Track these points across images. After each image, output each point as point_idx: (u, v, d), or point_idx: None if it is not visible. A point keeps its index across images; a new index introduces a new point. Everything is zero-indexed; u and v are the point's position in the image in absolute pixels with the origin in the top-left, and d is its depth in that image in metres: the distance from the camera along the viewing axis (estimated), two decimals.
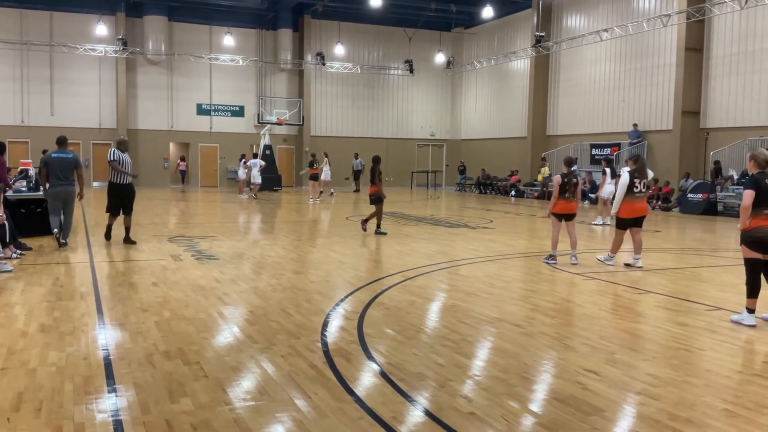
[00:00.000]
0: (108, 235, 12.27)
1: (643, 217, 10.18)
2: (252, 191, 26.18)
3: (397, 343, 5.85)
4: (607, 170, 17.32)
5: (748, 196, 6.57)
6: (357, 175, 32.44)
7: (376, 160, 14.01)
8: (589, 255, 11.66)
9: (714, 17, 22.55)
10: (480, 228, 15.95)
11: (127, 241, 12.06)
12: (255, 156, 28.50)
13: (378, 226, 14.13)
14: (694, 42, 23.13)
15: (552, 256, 10.58)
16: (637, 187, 9.91)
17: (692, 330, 6.48)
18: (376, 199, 13.81)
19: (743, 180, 19.90)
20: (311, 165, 25.80)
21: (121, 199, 11.94)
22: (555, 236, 10.59)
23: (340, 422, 4.09)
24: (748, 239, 6.56)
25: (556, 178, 10.58)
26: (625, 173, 10.02)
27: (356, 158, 32.73)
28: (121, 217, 12.25)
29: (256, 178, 26.07)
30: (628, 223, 10.08)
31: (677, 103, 23.49)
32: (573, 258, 10.52)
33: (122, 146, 12.08)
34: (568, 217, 10.57)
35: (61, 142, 11.71)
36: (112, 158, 11.68)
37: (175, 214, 19.49)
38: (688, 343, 6.01)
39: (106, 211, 12.20)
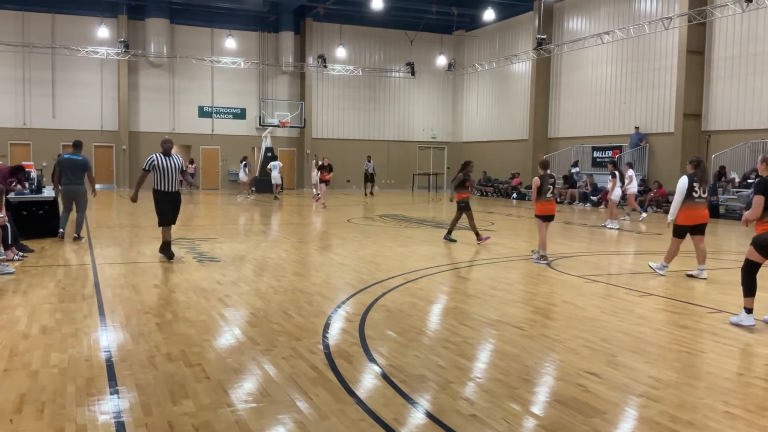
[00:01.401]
0: (169, 253, 10.45)
1: (705, 224, 9.51)
2: (260, 192, 27.82)
3: (399, 345, 5.86)
4: (616, 173, 17.26)
5: (761, 205, 6.59)
6: (370, 178, 31.72)
7: (465, 166, 13.30)
8: (591, 257, 11.67)
9: (715, 20, 22.56)
10: (481, 230, 15.93)
11: (164, 251, 10.53)
12: (275, 158, 29.04)
13: (449, 232, 13.51)
14: (696, 44, 23.14)
15: (543, 257, 10.83)
16: (696, 192, 9.28)
17: (694, 332, 6.48)
18: (464, 206, 13.14)
19: (748, 181, 19.89)
20: (321, 169, 24.27)
21: (169, 209, 10.40)
22: (543, 238, 10.90)
23: (342, 424, 4.09)
24: (760, 243, 6.56)
25: (535, 180, 10.91)
26: (683, 177, 9.42)
27: (369, 161, 32.07)
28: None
29: (277, 179, 27.34)
30: (686, 230, 9.42)
31: (678, 105, 23.49)
32: (539, 258, 10.78)
33: (164, 146, 10.38)
34: (549, 218, 10.89)
35: (75, 145, 12.97)
36: (144, 167, 10.26)
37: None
38: (689, 345, 6.02)
39: (159, 225, 10.51)
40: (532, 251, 11.36)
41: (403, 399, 4.54)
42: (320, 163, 24.67)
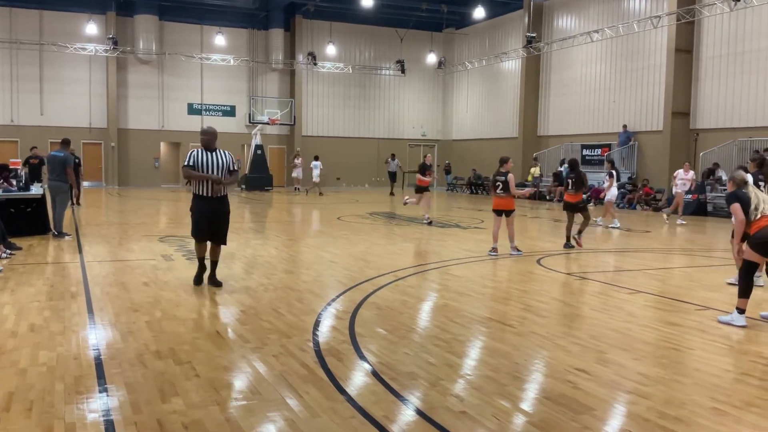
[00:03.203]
0: (198, 277, 8.29)
1: None
2: (314, 188, 28.89)
3: (389, 343, 5.86)
4: (613, 172, 17.16)
5: (739, 209, 6.65)
6: (393, 176, 30.72)
7: (575, 165, 12.92)
8: (581, 255, 11.71)
9: (704, 19, 22.69)
10: (471, 228, 15.99)
11: (213, 281, 8.21)
12: (316, 158, 29.45)
13: (579, 233, 12.45)
14: (684, 43, 23.26)
15: (493, 249, 11.47)
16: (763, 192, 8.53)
17: (682, 329, 6.52)
18: (585, 206, 12.67)
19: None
20: (424, 170, 16.97)
21: (206, 219, 7.97)
22: (494, 230, 11.61)
23: (332, 421, 4.09)
24: (756, 241, 6.57)
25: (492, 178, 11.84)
26: (748, 177, 8.54)
27: (393, 159, 31.22)
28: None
29: (316, 177, 28.61)
30: None
31: (667, 104, 23.62)
32: (512, 251, 11.38)
33: (203, 138, 8.03)
34: (498, 212, 11.54)
35: (62, 143, 13.27)
36: (187, 162, 7.88)
37: (165, 214, 19.43)
38: (677, 342, 6.06)
39: (192, 235, 8.30)
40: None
41: (394, 396, 4.55)
42: (423, 162, 17.50)
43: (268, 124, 33.77)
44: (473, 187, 32.80)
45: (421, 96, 37.92)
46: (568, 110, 29.14)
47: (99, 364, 5.12)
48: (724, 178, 21.14)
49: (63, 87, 31.01)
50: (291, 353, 5.46)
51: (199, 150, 7.96)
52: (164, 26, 32.32)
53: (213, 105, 33.87)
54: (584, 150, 27.82)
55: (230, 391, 4.61)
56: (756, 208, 6.62)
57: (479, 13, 30.22)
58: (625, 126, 25.57)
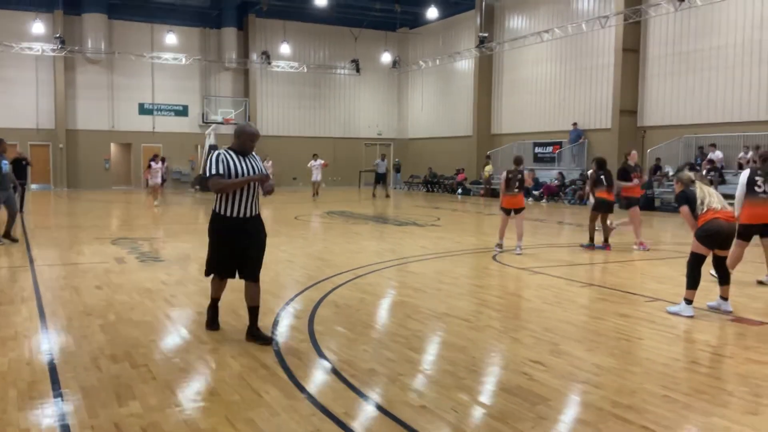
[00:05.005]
0: (212, 321, 6.21)
1: None
2: (315, 189, 26.90)
3: (348, 341, 5.89)
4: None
5: (688, 213, 6.89)
6: (381, 178, 28.60)
7: (604, 163, 12.22)
8: (535, 250, 11.92)
9: (650, 19, 23.29)
10: (428, 225, 16.12)
11: (258, 335, 5.77)
12: (315, 157, 27.53)
13: (605, 239, 11.98)
14: (631, 43, 23.85)
15: (499, 245, 11.49)
16: (759, 187, 8.32)
17: (632, 320, 6.71)
18: (604, 206, 12.03)
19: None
20: (628, 174, 12.17)
21: (231, 246, 5.76)
22: (501, 228, 11.56)
23: (292, 420, 4.11)
24: (702, 234, 6.77)
25: (503, 174, 11.45)
26: (744, 171, 8.59)
27: (382, 159, 29.45)
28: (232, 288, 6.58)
29: (317, 177, 26.81)
30: (752, 230, 8.43)
31: (615, 102, 24.19)
32: (517, 249, 11.27)
33: (242, 140, 5.76)
34: (515, 210, 11.38)
35: None
36: (216, 170, 5.64)
37: (117, 216, 19.07)
38: (628, 333, 6.24)
39: (210, 270, 6.05)
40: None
41: (354, 393, 4.58)
42: (626, 160, 12.50)
43: (222, 123, 33.40)
44: (429, 185, 33.03)
45: (377, 95, 38.00)
46: (521, 109, 29.58)
47: (53, 368, 5.02)
48: (671, 173, 21.77)
49: (9, 87, 30.11)
50: (250, 354, 5.44)
51: (228, 153, 5.73)
52: (113, 25, 31.67)
53: (165, 105, 33.35)
54: (536, 148, 28.30)
55: (188, 392, 4.58)
56: (702, 203, 6.86)
57: (432, 13, 30.46)
58: (575, 124, 26.09)
